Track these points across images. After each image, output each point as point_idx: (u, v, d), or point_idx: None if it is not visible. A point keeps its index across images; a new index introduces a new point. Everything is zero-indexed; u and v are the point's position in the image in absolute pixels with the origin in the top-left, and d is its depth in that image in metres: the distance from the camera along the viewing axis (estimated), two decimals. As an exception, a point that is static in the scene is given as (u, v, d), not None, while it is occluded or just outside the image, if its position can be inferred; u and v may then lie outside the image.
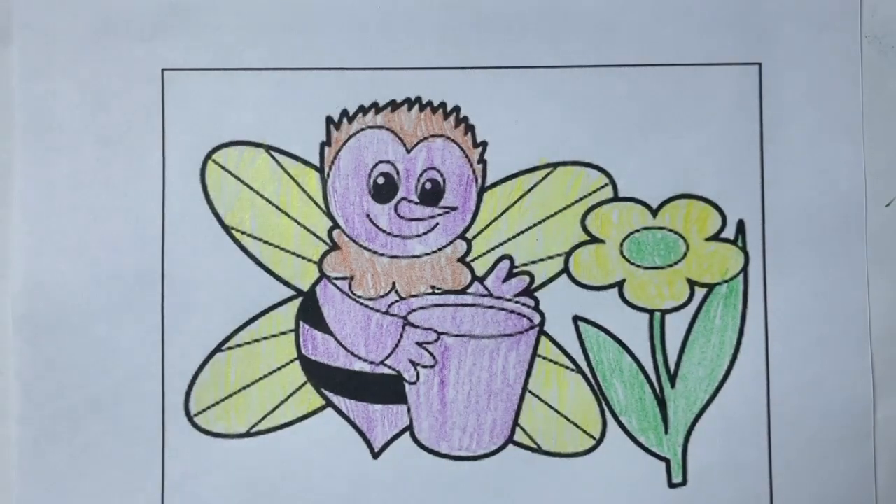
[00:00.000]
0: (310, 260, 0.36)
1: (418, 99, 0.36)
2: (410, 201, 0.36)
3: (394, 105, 0.36)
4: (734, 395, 0.36)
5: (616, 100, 0.36)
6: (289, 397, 0.36)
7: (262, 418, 0.36)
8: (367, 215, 0.36)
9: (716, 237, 0.36)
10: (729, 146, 0.36)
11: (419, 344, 0.36)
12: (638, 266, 0.36)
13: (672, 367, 0.36)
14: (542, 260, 0.36)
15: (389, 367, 0.36)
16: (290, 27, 0.36)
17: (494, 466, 0.36)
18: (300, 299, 0.36)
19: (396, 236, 0.36)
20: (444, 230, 0.36)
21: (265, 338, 0.36)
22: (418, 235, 0.36)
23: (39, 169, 0.36)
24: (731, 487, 0.36)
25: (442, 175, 0.36)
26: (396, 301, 0.36)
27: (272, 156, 0.36)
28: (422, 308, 0.36)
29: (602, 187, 0.36)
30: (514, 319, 0.36)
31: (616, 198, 0.36)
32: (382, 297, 0.36)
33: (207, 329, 0.36)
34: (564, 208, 0.36)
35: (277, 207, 0.36)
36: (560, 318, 0.36)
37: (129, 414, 0.35)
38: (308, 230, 0.36)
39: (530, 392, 0.36)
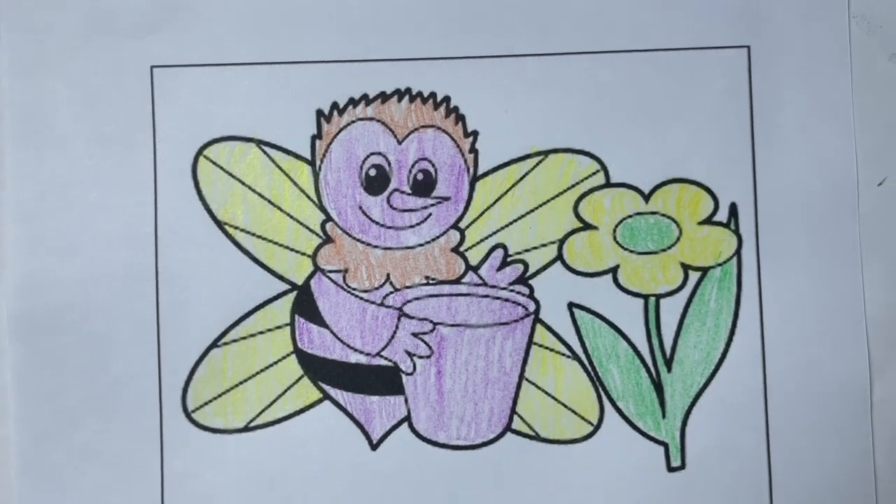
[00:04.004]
0: (303, 253, 0.36)
1: (408, 90, 0.36)
2: (403, 192, 0.36)
3: (384, 97, 0.36)
4: (731, 378, 0.36)
5: (606, 86, 0.36)
6: (286, 391, 0.36)
7: (260, 413, 0.36)
8: (360, 207, 0.36)
9: (708, 221, 0.36)
10: (720, 129, 0.36)
11: (415, 335, 0.36)
12: (631, 251, 0.36)
13: (668, 352, 0.36)
14: (535, 248, 0.36)
15: (386, 359, 0.36)
16: (278, 21, 0.36)
17: (493, 455, 0.36)
18: (295, 293, 0.36)
19: (390, 228, 0.36)
20: (437, 220, 0.36)
21: (261, 332, 0.36)
22: (411, 226, 0.36)
23: (31, 167, 0.36)
24: (730, 470, 0.36)
25: (434, 165, 0.36)
26: (391, 292, 0.36)
27: (263, 150, 0.36)
28: (417, 299, 0.36)
29: (594, 174, 0.36)
30: (509, 308, 0.36)
31: (608, 184, 0.36)
32: (377, 288, 0.36)
33: (203, 325, 0.36)
34: (557, 196, 0.36)
35: (270, 202, 0.36)
36: (555, 306, 0.36)
37: (127, 411, 0.35)
38: (301, 224, 0.36)
39: (527, 380, 0.36)
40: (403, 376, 0.36)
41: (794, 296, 0.36)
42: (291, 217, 0.36)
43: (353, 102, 0.36)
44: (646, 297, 0.36)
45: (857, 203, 0.36)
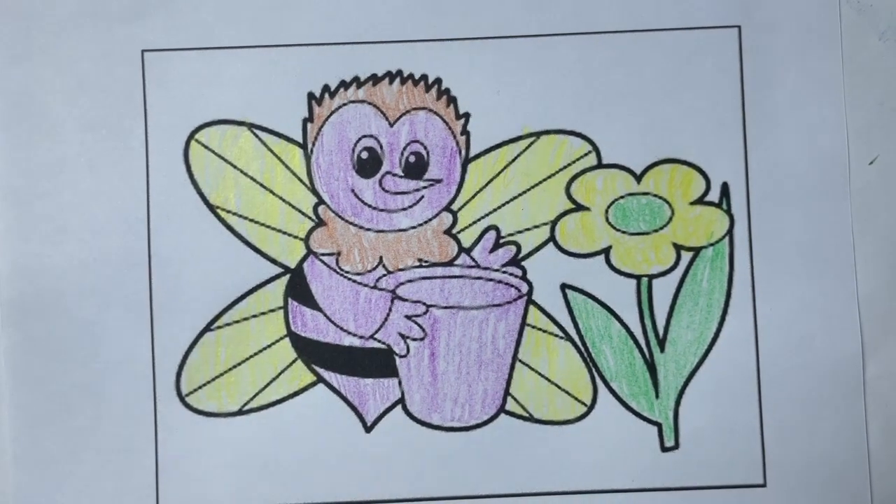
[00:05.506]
0: (296, 237, 0.36)
1: (399, 72, 0.36)
2: (395, 175, 0.36)
3: (375, 79, 0.36)
4: (723, 357, 0.36)
5: (597, 67, 0.36)
6: (280, 374, 0.36)
7: (254, 396, 0.36)
8: (352, 190, 0.36)
9: (700, 201, 0.36)
10: (711, 109, 0.36)
11: (408, 317, 0.36)
12: (624, 232, 0.36)
13: (661, 332, 0.36)
14: (528, 229, 0.36)
15: (379, 341, 0.36)
16: (269, 4, 0.36)
17: (487, 436, 0.36)
18: (288, 276, 0.36)
19: (382, 210, 0.36)
20: (429, 203, 0.36)
21: (254, 316, 0.36)
22: (404, 209, 0.36)
23: (23, 154, 0.36)
24: (724, 449, 0.36)
25: (425, 148, 0.36)
26: (384, 275, 0.36)
27: (255, 134, 0.36)
28: (410, 281, 0.36)
29: (586, 155, 0.36)
30: (502, 289, 0.36)
31: (600, 165, 0.36)
32: (370, 271, 0.36)
33: (196, 309, 0.36)
34: (549, 177, 0.36)
35: (262, 185, 0.36)
36: (548, 287, 0.36)
37: (121, 396, 0.35)
38: (293, 207, 0.36)
39: (520, 361, 0.36)
40: (397, 359, 0.36)
41: (785, 274, 0.36)
42: (284, 200, 0.36)
43: (344, 85, 0.36)
44: (638, 278, 0.36)
45: (848, 182, 0.36)
